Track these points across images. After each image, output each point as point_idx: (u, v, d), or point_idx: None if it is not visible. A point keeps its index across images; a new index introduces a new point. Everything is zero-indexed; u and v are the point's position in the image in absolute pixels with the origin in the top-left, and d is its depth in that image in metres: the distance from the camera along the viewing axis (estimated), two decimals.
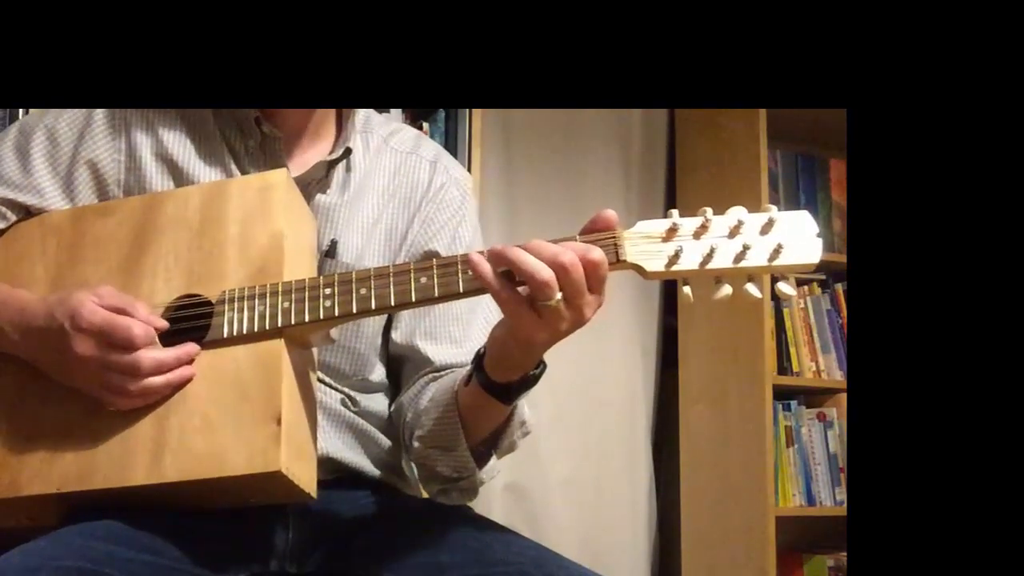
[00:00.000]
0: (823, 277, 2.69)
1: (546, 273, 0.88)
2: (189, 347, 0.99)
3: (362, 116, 1.23)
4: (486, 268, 0.91)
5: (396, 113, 2.19)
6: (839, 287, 2.70)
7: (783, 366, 2.56)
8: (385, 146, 1.24)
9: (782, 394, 2.56)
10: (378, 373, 1.21)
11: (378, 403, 1.21)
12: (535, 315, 0.90)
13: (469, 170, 2.17)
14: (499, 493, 2.45)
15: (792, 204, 2.70)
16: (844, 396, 2.62)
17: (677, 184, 2.81)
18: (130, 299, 1.00)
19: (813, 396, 2.66)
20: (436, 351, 1.18)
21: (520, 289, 0.91)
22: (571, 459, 2.57)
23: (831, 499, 2.58)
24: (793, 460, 2.56)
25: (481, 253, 0.93)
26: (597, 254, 0.90)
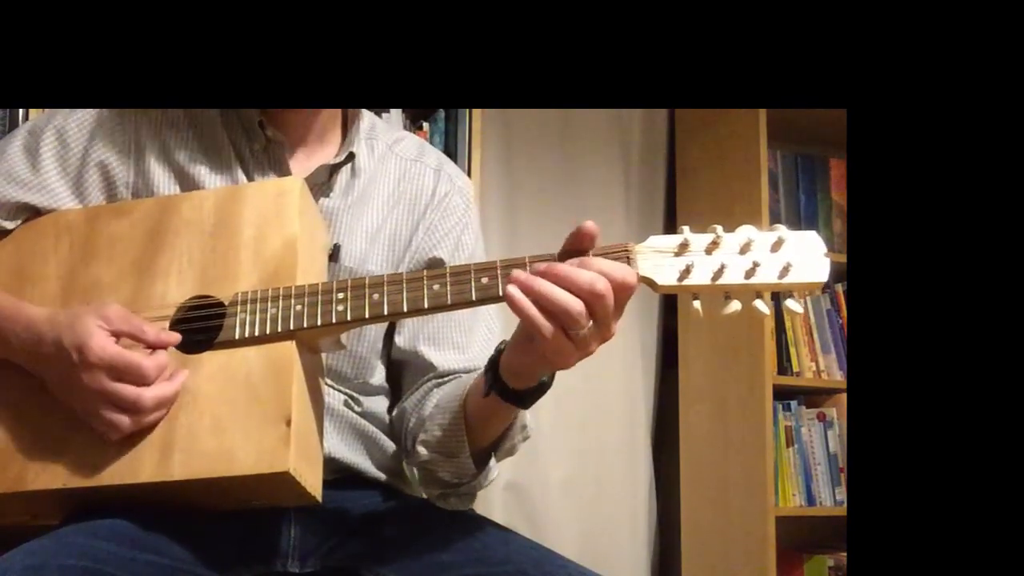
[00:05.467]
0: None
1: (578, 306, 0.88)
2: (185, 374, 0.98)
3: (367, 122, 1.24)
4: (530, 307, 0.88)
5: (396, 113, 2.19)
6: (839, 287, 2.70)
7: (783, 366, 2.56)
8: (390, 152, 1.25)
9: (782, 394, 2.56)
10: (378, 376, 1.21)
11: (379, 405, 1.21)
12: (571, 343, 0.89)
13: (469, 170, 2.17)
14: (499, 493, 2.45)
15: (792, 204, 2.71)
16: (844, 396, 2.62)
17: (677, 184, 2.81)
18: (138, 322, 0.99)
19: (813, 396, 2.66)
20: (439, 357, 1.19)
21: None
22: (571, 459, 2.57)
23: (831, 499, 2.58)
24: (793, 460, 2.56)
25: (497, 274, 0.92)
26: (632, 279, 0.90)
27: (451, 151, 2.18)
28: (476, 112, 2.22)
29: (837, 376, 2.63)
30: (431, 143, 1.92)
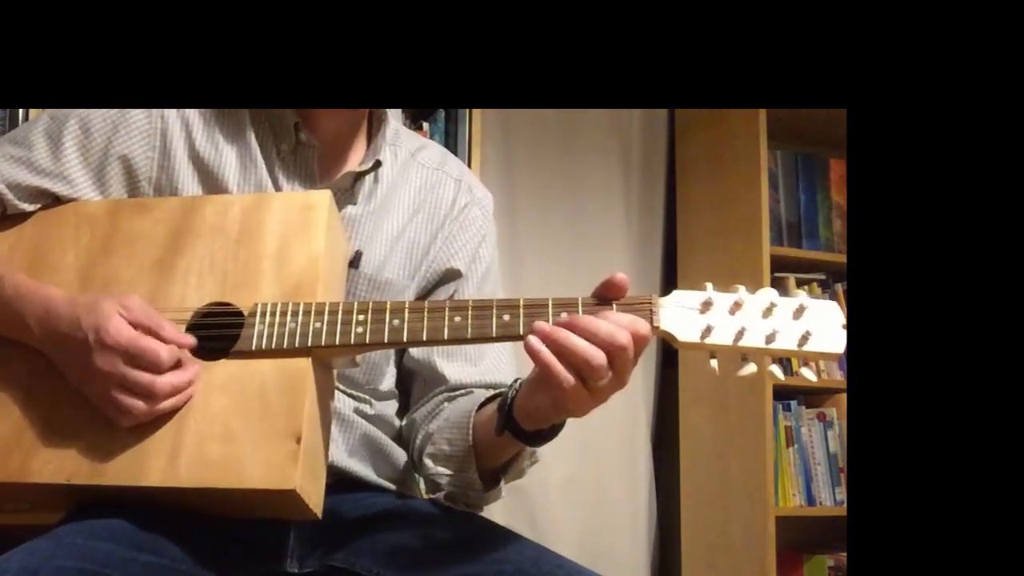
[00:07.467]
0: (823, 277, 2.70)
1: (600, 358, 0.89)
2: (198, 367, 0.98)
3: (392, 129, 1.24)
4: (551, 358, 0.90)
5: (396, 113, 2.19)
6: (839, 287, 2.70)
7: (783, 366, 2.55)
8: (412, 160, 1.25)
9: (782, 394, 2.56)
10: (388, 382, 1.22)
11: (389, 409, 1.22)
12: (588, 393, 0.91)
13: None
14: None
15: (792, 204, 2.70)
16: (844, 396, 2.62)
17: (677, 184, 2.81)
18: (158, 317, 0.98)
19: (813, 396, 2.66)
20: (452, 369, 1.19)
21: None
22: (571, 459, 2.57)
23: (831, 499, 2.58)
24: (793, 460, 2.56)
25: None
26: (646, 330, 0.92)
27: (451, 151, 2.17)
28: (476, 112, 2.22)
29: (837, 376, 2.63)
30: None
